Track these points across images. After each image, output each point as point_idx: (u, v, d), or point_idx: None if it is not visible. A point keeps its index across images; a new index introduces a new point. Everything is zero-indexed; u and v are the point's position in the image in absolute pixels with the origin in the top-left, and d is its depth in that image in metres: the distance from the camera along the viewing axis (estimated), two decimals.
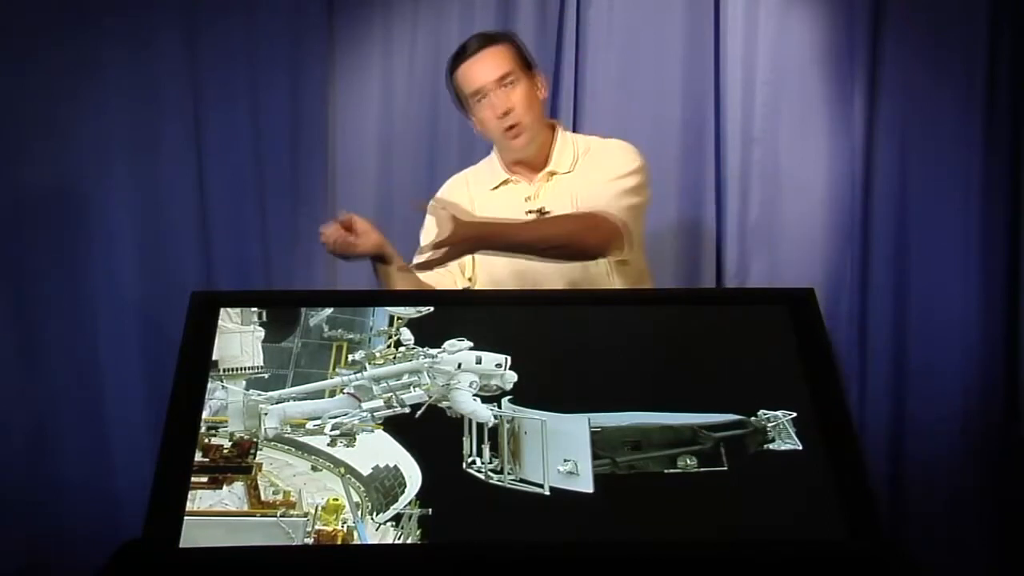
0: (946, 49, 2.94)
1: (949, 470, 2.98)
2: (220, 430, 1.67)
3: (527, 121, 2.15)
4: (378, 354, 1.78)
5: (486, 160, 2.31)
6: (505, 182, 2.24)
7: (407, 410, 1.70)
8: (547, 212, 2.18)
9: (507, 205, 2.21)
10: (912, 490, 3.01)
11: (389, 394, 1.72)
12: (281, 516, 1.57)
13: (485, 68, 2.13)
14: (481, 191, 2.26)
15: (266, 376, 1.75)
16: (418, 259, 2.11)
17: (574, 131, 2.96)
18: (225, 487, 1.60)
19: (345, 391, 1.73)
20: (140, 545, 1.54)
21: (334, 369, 1.76)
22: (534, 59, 2.23)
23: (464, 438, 1.66)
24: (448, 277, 2.24)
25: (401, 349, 1.78)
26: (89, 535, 2.81)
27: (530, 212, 2.18)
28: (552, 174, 2.22)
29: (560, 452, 1.64)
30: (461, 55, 2.17)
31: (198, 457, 1.63)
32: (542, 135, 2.21)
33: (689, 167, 3.01)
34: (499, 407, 1.70)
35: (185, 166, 2.90)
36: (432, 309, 1.85)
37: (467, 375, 1.74)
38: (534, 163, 2.22)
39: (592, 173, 2.20)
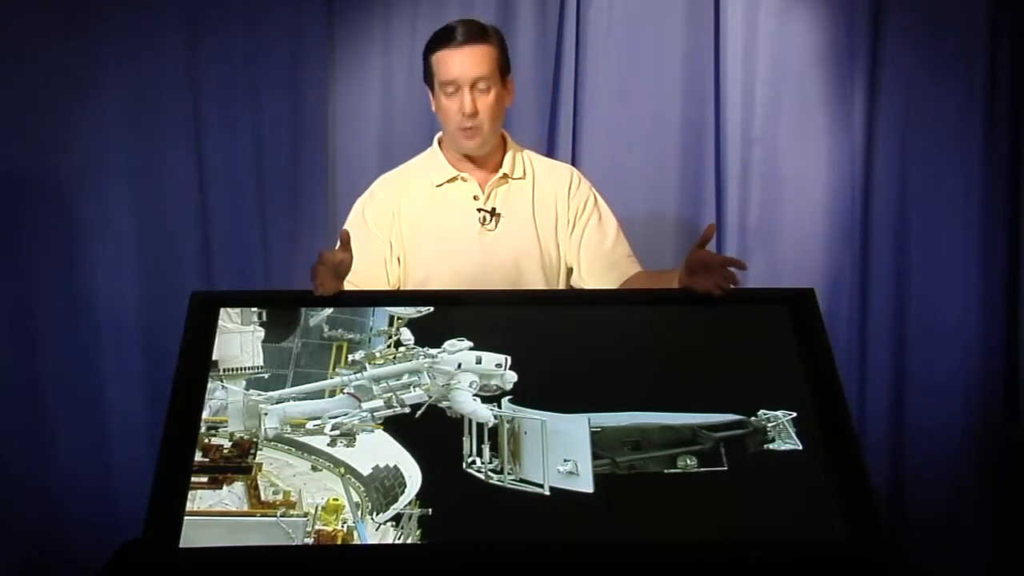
0: (946, 49, 2.94)
1: (949, 470, 2.98)
2: (220, 430, 1.67)
3: (488, 128, 2.13)
4: (378, 354, 1.78)
5: (427, 155, 2.27)
6: (453, 179, 2.21)
7: (407, 410, 1.70)
8: (499, 213, 2.18)
9: (453, 202, 2.19)
10: (912, 490, 3.00)
11: (389, 394, 1.72)
12: (281, 516, 1.57)
13: (466, 65, 2.09)
14: (422, 188, 2.21)
15: (266, 376, 1.75)
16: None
17: (574, 132, 2.98)
18: (225, 487, 1.60)
19: (345, 391, 1.73)
20: (140, 545, 1.54)
21: (334, 369, 1.76)
22: (510, 64, 2.20)
23: (464, 438, 1.66)
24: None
25: (401, 349, 1.79)
26: (89, 535, 2.81)
27: (481, 211, 2.18)
28: (507, 177, 2.21)
29: (560, 452, 1.64)
30: (446, 39, 2.12)
31: (198, 457, 1.63)
32: (496, 139, 2.20)
33: (689, 167, 3.00)
34: (499, 407, 1.70)
35: (185, 167, 2.90)
36: (432, 309, 1.85)
37: (467, 375, 1.74)
38: (483, 163, 2.21)
39: (552, 185, 2.22)
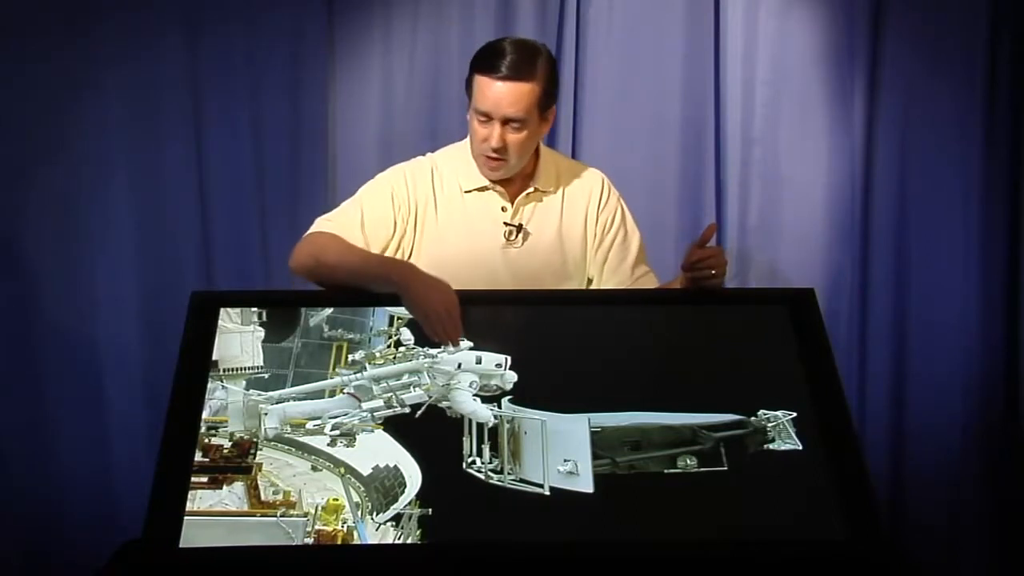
0: (946, 49, 2.94)
1: (949, 470, 2.98)
2: (220, 430, 1.67)
3: (513, 161, 2.05)
4: (378, 354, 1.78)
5: (459, 153, 2.15)
6: (483, 188, 2.11)
7: (407, 410, 1.70)
8: (526, 230, 2.11)
9: (480, 211, 2.11)
10: (912, 490, 3.00)
11: (389, 394, 1.72)
12: (281, 516, 1.57)
13: (502, 102, 1.98)
14: (450, 190, 2.12)
15: (266, 376, 1.75)
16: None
17: (574, 132, 2.97)
18: (225, 487, 1.60)
19: (345, 391, 1.73)
20: (140, 545, 1.54)
21: (334, 369, 1.76)
22: (557, 92, 2.10)
23: (464, 438, 1.66)
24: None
25: (401, 349, 1.79)
26: (89, 535, 2.80)
27: (507, 225, 2.11)
28: (537, 191, 2.13)
29: (560, 452, 1.64)
30: (490, 66, 1.98)
31: (198, 457, 1.63)
32: (520, 167, 2.10)
33: (689, 167, 3.00)
34: (499, 407, 1.70)
35: (185, 167, 2.90)
36: None
37: (467, 375, 1.74)
38: (513, 175, 2.12)
39: (582, 198, 2.16)
